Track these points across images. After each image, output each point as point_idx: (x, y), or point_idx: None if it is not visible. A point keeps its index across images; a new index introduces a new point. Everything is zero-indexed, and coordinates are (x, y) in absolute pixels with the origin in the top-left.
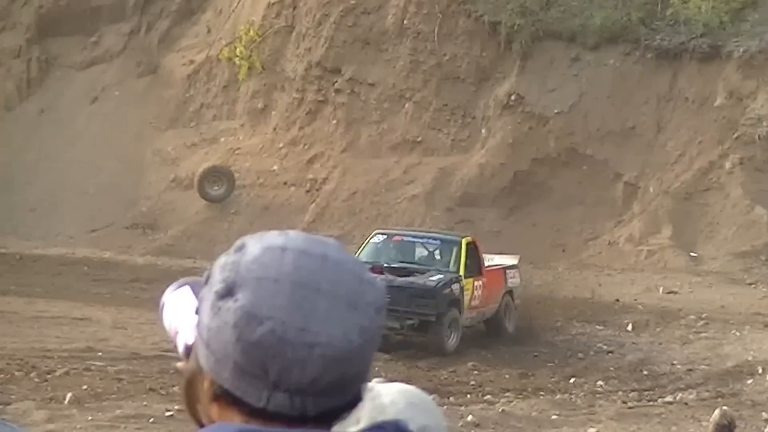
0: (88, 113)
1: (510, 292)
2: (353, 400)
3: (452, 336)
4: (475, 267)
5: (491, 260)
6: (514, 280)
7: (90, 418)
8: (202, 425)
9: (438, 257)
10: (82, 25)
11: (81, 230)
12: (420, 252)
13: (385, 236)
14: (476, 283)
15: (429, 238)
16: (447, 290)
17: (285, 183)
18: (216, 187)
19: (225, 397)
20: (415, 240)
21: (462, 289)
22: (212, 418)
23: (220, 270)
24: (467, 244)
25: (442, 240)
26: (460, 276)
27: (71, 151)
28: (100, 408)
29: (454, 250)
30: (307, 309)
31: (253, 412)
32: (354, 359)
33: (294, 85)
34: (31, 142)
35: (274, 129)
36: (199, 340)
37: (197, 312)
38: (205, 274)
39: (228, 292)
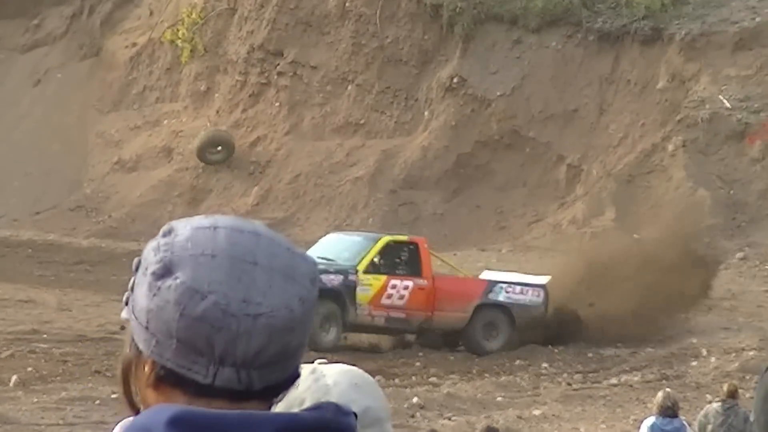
0: (30, 96)
1: (500, 307)
2: (293, 375)
3: (329, 330)
4: (403, 267)
5: (512, 277)
6: (513, 296)
7: (36, 400)
8: (138, 412)
9: (350, 253)
10: (23, 8)
11: (25, 212)
12: (341, 248)
13: (334, 235)
14: (401, 282)
15: (359, 236)
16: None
17: (228, 166)
18: (215, 152)
19: (167, 380)
20: (347, 238)
21: (354, 283)
22: (149, 404)
23: (153, 252)
24: (386, 242)
25: (365, 238)
26: (356, 269)
27: (14, 134)
28: (46, 390)
29: (366, 246)
30: (247, 282)
31: (197, 392)
32: (296, 329)
33: (237, 67)
34: None
35: (217, 112)
36: (136, 326)
37: (128, 300)
38: (135, 262)
39: (166, 271)
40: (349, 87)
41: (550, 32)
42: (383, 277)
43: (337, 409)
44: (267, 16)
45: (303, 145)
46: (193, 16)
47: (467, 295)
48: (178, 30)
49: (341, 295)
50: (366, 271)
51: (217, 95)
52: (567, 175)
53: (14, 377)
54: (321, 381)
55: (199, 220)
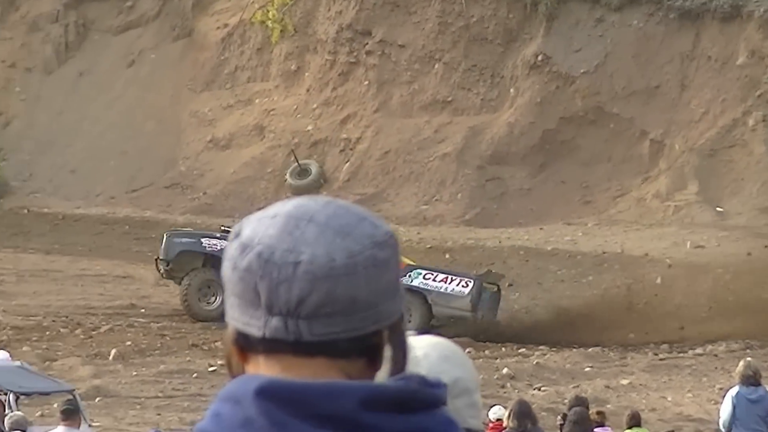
0: (125, 76)
1: (414, 292)
2: (367, 339)
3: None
4: None
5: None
6: (431, 283)
7: (135, 373)
8: None
9: None
10: None
11: (121, 190)
12: None
13: None
14: None
15: None
16: None
17: (318, 142)
18: (300, 178)
19: (241, 343)
20: None
21: None
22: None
23: (238, 224)
24: None
25: None
26: None
27: (110, 114)
28: (144, 363)
29: None
30: (297, 235)
31: (261, 349)
32: (340, 279)
33: (326, 47)
34: (70, 104)
35: (308, 90)
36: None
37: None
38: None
39: (235, 235)
40: (436, 65)
41: (631, 10)
42: None
43: (423, 381)
44: None
45: (392, 123)
46: None
47: None
48: (268, 11)
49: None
50: None
51: (307, 74)
52: (650, 150)
53: (114, 351)
54: (410, 353)
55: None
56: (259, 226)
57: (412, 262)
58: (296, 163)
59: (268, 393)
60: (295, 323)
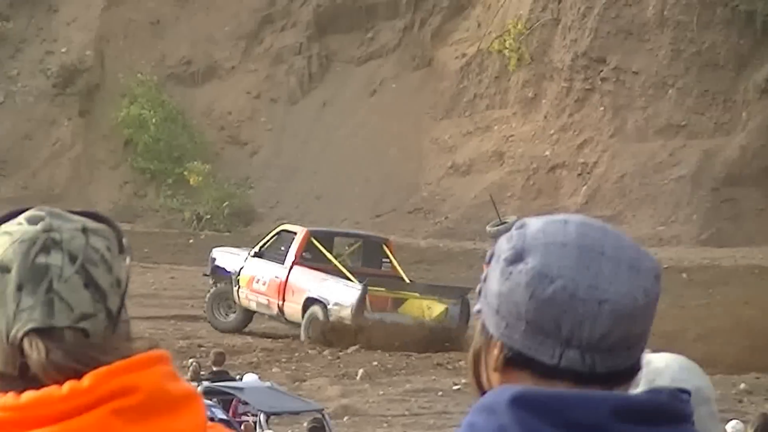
0: (367, 105)
1: (317, 302)
2: (635, 366)
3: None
4: (278, 255)
5: None
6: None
7: (381, 392)
8: (484, 394)
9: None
10: (358, 22)
11: (366, 215)
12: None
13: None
14: (269, 270)
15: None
16: None
17: (556, 167)
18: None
19: (514, 361)
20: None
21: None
22: (494, 387)
23: (506, 241)
24: (280, 230)
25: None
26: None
27: (353, 142)
28: (391, 383)
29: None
30: (595, 269)
31: (543, 374)
32: (638, 318)
33: (562, 74)
34: (314, 133)
35: (545, 116)
36: (487, 310)
37: (480, 290)
38: (488, 254)
39: (517, 257)
40: (670, 91)
41: None
42: (259, 262)
43: (672, 394)
44: (590, 26)
45: (627, 147)
46: (519, 26)
47: (301, 289)
48: (505, 40)
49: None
50: (253, 255)
51: (544, 101)
52: None
53: (361, 371)
54: (652, 365)
55: (551, 216)
56: (552, 255)
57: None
58: (498, 219)
59: (522, 402)
60: (591, 357)
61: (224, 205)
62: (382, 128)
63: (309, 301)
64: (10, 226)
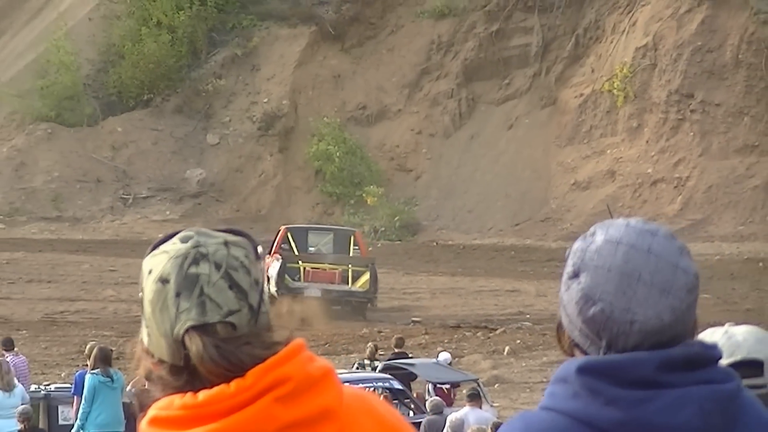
0: (506, 137)
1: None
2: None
3: None
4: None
5: None
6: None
7: (524, 364)
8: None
9: None
10: (497, 71)
11: (507, 224)
12: None
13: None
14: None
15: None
16: None
17: (657, 182)
18: None
19: (575, 346)
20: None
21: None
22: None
23: (572, 255)
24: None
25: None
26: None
27: (496, 166)
28: (531, 356)
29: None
30: (630, 294)
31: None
32: (665, 332)
33: (659, 107)
34: (465, 161)
35: (647, 141)
36: (561, 305)
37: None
38: (567, 252)
39: (575, 274)
40: (745, 118)
41: None
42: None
43: (702, 344)
44: (680, 68)
45: (713, 164)
46: (624, 71)
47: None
48: (613, 82)
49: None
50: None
51: (645, 129)
52: None
53: (507, 348)
54: (732, 339)
55: (613, 231)
56: (598, 279)
57: None
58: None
59: (586, 370)
60: None
61: (395, 219)
62: (518, 155)
63: (268, 279)
64: (167, 245)
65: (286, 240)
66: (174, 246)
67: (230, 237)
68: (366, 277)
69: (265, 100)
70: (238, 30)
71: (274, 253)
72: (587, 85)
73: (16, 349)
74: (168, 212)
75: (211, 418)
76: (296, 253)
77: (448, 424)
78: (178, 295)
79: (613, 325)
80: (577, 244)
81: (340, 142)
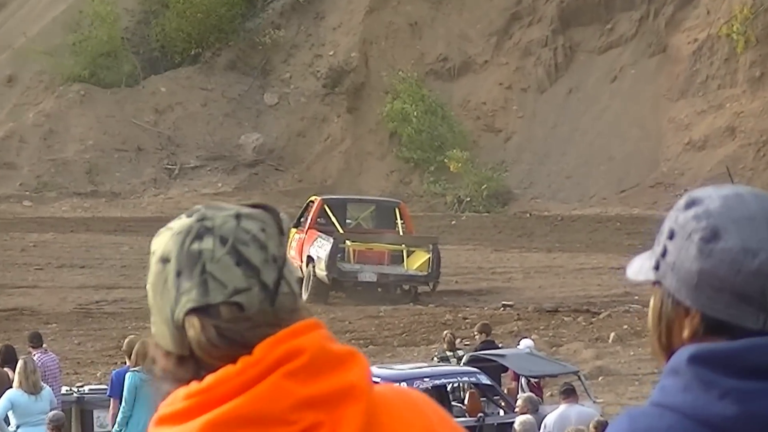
0: (609, 91)
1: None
2: None
3: None
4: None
5: None
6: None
7: (632, 353)
8: (669, 355)
9: None
10: (598, 15)
11: (611, 191)
12: None
13: None
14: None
15: None
16: None
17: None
18: None
19: (714, 329)
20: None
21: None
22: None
23: (695, 220)
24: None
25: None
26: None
27: (597, 125)
28: (641, 344)
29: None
30: None
31: (744, 337)
32: None
33: None
34: (562, 118)
35: None
36: (678, 285)
37: (658, 264)
38: (665, 229)
39: (714, 235)
40: None
41: None
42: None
43: None
44: None
45: None
46: (745, 11)
47: (306, 250)
48: (732, 25)
49: None
50: (293, 226)
51: None
52: None
53: (612, 334)
54: None
55: (719, 190)
56: (746, 230)
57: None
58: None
59: (698, 359)
60: None
61: (483, 188)
62: (623, 111)
63: (308, 259)
64: (174, 222)
65: (323, 213)
66: (179, 221)
67: (245, 209)
68: (423, 257)
69: (331, 53)
70: None
71: (310, 229)
72: (702, 29)
73: (45, 345)
74: (220, 184)
75: (218, 401)
76: (339, 229)
77: (545, 425)
78: (178, 274)
79: None
80: (692, 211)
81: (418, 99)
